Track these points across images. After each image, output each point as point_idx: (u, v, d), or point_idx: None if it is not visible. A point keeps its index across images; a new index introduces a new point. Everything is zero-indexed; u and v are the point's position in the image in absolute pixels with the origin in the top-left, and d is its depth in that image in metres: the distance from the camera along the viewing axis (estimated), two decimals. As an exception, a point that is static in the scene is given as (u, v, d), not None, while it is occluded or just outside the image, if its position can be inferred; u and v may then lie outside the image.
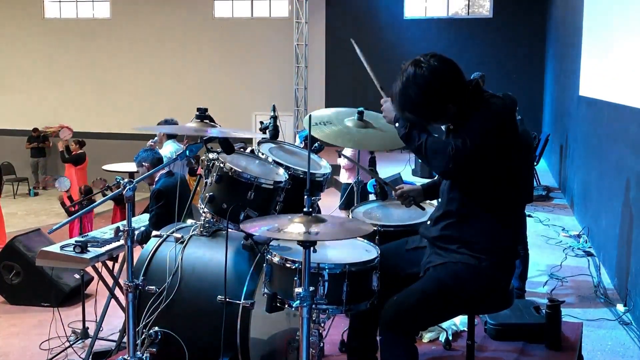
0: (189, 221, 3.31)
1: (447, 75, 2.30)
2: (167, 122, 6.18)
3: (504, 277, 2.45)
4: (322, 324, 2.55)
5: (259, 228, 2.27)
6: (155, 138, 6.45)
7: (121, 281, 4.25)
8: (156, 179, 4.98)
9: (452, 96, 2.30)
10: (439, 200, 2.56)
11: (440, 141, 2.31)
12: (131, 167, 9.20)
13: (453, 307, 2.44)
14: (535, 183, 9.94)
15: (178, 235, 3.01)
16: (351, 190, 4.40)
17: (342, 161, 7.21)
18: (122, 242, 4.42)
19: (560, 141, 10.88)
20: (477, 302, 2.45)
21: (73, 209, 8.56)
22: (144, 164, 5.08)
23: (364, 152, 6.80)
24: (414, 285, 2.42)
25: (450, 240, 2.40)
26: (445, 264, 2.39)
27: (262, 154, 3.24)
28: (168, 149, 6.25)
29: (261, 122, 3.60)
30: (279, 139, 3.53)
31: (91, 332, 5.02)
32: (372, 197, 6.42)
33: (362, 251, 2.58)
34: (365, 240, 2.69)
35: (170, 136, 6.39)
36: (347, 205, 5.91)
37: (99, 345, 4.77)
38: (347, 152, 7.12)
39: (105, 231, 4.79)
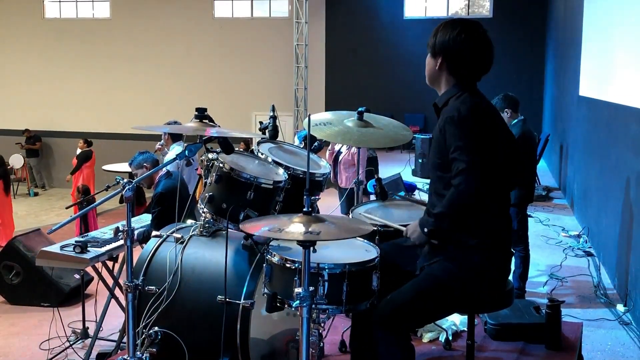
0: (189, 221, 3.31)
1: (468, 45, 2.46)
2: (171, 125, 6.09)
3: (497, 274, 2.46)
4: (322, 324, 2.55)
5: (259, 228, 2.27)
6: (162, 141, 6.40)
7: (121, 281, 4.25)
8: (156, 181, 4.97)
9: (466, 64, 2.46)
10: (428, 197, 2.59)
11: (446, 196, 2.34)
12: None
13: (448, 304, 2.45)
14: (535, 183, 9.93)
15: (178, 235, 3.01)
16: (351, 192, 4.40)
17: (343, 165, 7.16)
18: (121, 242, 4.42)
19: (560, 141, 10.88)
20: (472, 299, 2.45)
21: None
22: (145, 165, 5.07)
23: (364, 151, 6.82)
24: (409, 283, 2.43)
25: (445, 238, 2.41)
26: (440, 261, 2.41)
27: (262, 154, 3.24)
28: (175, 152, 6.19)
29: (261, 122, 3.60)
30: (278, 139, 3.53)
31: (91, 332, 5.02)
32: (372, 197, 6.41)
33: (362, 251, 2.58)
34: (365, 240, 2.69)
35: (175, 139, 6.31)
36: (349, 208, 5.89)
37: (99, 346, 4.77)
38: (355, 155, 7.07)
39: (105, 231, 4.79)
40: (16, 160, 16.35)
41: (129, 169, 5.47)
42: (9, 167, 13.29)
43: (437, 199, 2.44)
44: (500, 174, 2.41)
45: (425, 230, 2.40)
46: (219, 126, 3.02)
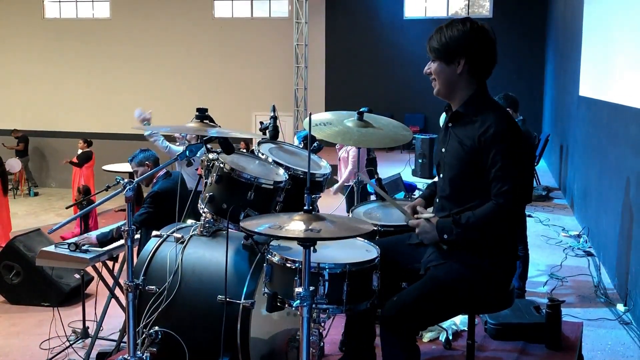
0: (189, 221, 3.31)
1: (485, 41, 2.32)
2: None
3: (504, 277, 2.45)
4: (323, 324, 2.55)
5: (259, 225, 2.27)
6: (187, 134, 6.34)
7: (121, 281, 4.25)
8: (154, 180, 4.97)
9: (473, 59, 2.32)
10: (436, 200, 2.57)
11: (481, 209, 2.30)
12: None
13: (453, 306, 2.44)
14: (535, 183, 9.94)
15: (178, 235, 3.01)
16: (352, 191, 4.42)
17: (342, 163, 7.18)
18: (122, 241, 4.42)
19: (560, 141, 10.88)
20: (478, 302, 2.45)
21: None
22: (147, 162, 5.04)
23: (363, 151, 6.82)
24: (415, 285, 2.42)
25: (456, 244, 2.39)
26: (446, 264, 2.39)
27: (262, 154, 3.24)
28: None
29: (261, 123, 3.60)
30: (278, 139, 3.53)
31: (91, 331, 5.02)
32: (372, 197, 6.42)
33: (362, 251, 2.58)
34: (366, 240, 2.69)
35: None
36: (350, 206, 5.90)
37: (100, 345, 4.78)
38: (351, 151, 7.11)
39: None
40: (14, 164, 16.38)
41: (128, 169, 5.47)
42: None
43: (453, 205, 2.41)
44: None
45: (445, 237, 2.35)
46: (220, 126, 3.02)
